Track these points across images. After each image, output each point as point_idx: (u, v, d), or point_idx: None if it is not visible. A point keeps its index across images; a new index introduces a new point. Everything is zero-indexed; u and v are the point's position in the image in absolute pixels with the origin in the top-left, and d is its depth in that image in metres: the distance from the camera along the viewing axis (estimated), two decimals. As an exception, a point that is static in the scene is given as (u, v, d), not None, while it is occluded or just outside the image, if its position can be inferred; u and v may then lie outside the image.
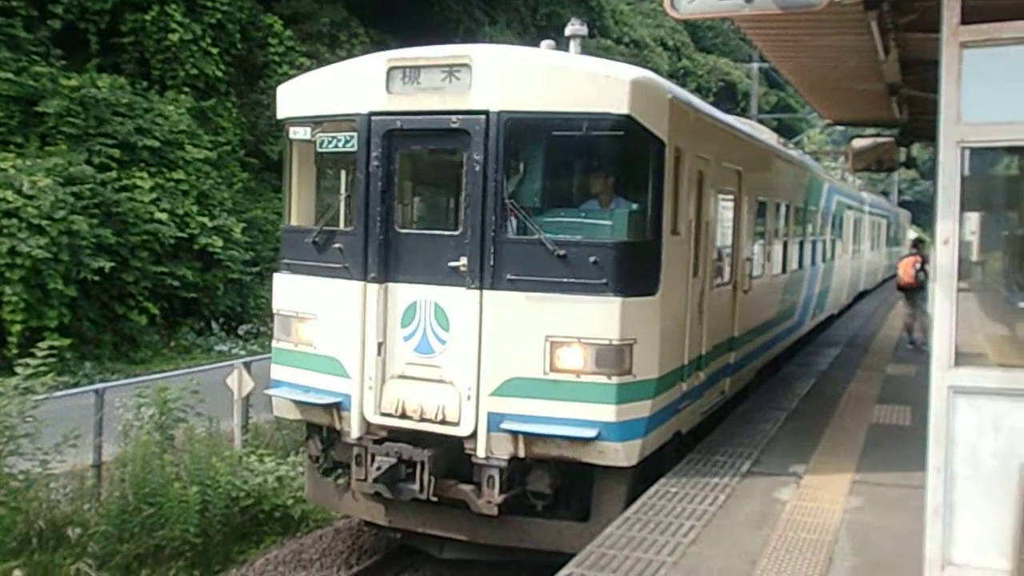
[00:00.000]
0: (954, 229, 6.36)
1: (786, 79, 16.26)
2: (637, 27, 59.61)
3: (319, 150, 10.48)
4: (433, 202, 12.05)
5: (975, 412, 6.38)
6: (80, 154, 24.02)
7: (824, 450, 11.39)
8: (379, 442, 9.74)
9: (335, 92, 10.25)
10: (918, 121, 17.06)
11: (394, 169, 9.83)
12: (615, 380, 9.07)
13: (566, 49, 10.61)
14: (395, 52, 10.00)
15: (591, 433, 9.01)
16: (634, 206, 9.64)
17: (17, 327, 20.15)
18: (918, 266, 20.88)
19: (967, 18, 6.28)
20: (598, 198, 9.83)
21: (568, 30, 10.65)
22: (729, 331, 13.19)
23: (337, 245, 10.04)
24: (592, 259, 9.05)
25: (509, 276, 9.22)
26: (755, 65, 50.65)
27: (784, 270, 17.77)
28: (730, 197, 13.24)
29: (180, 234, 25.22)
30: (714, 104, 16.03)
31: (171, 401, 12.48)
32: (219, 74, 30.26)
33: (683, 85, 25.11)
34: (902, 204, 65.17)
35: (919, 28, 9.91)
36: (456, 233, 9.59)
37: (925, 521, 6.51)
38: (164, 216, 24.79)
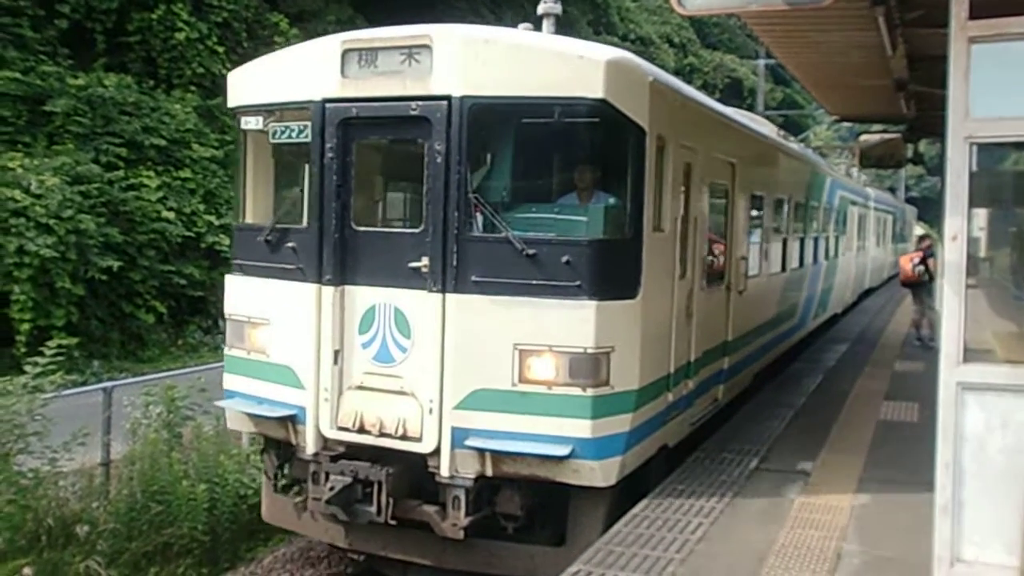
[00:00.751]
0: (962, 225, 6.34)
1: (792, 75, 16.21)
2: (643, 24, 59.56)
3: (272, 141, 9.77)
4: (393, 197, 11.06)
5: (983, 408, 6.37)
6: (87, 153, 24.06)
7: (832, 447, 11.38)
8: (336, 459, 9.07)
9: (288, 78, 9.52)
10: (926, 117, 17.01)
11: (350, 161, 9.12)
12: (590, 392, 8.37)
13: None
14: (351, 33, 9.38)
15: (564, 451, 8.32)
16: (611, 201, 8.94)
17: (25, 326, 20.20)
18: (915, 260, 20.89)
19: (975, 13, 6.26)
20: (577, 192, 9.15)
21: (540, 8, 10.05)
22: (722, 335, 12.50)
23: (290, 244, 9.37)
24: (564, 259, 8.35)
25: (474, 278, 8.51)
26: (761, 61, 50.57)
27: (784, 268, 17.11)
28: (723, 192, 12.54)
29: (187, 233, 25.26)
30: (721, 101, 15.68)
31: (179, 399, 12.49)
32: (225, 72, 30.20)
33: (689, 82, 25.02)
34: (909, 200, 65.02)
35: (927, 23, 9.88)
36: (417, 231, 8.85)
37: (934, 518, 6.50)
38: (171, 215, 24.84)
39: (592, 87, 8.29)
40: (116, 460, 11.91)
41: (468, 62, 8.56)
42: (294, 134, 9.44)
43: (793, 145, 19.91)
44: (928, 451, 6.70)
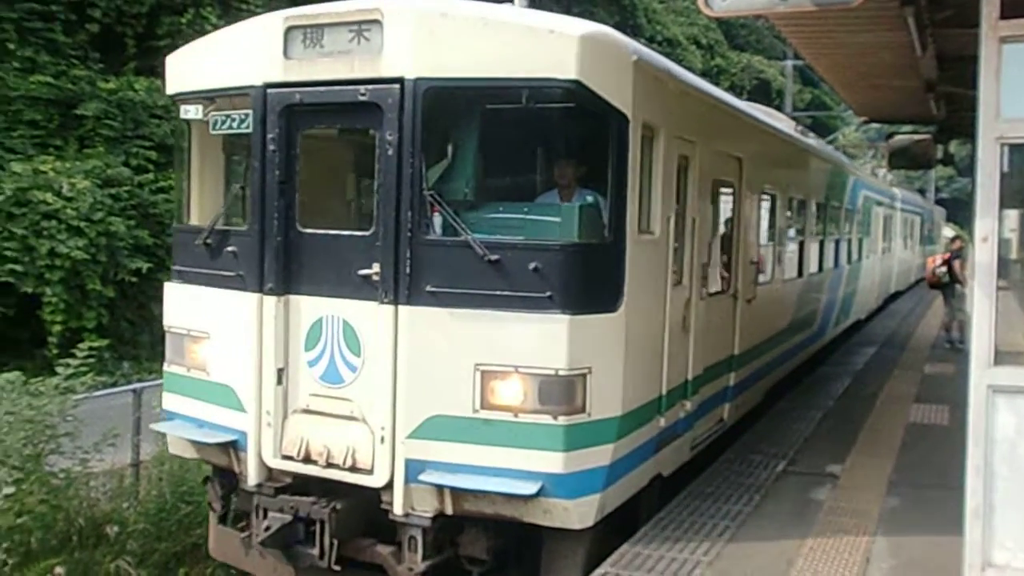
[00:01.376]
0: (993, 227, 6.31)
1: (821, 76, 16.14)
2: (670, 25, 59.45)
3: (213, 132, 8.72)
4: (344, 195, 9.86)
5: (1015, 411, 6.33)
6: (118, 156, 24.25)
7: (861, 450, 11.31)
8: (280, 492, 8.11)
9: (228, 61, 8.48)
10: (956, 117, 16.91)
11: (295, 154, 8.11)
12: (562, 420, 7.30)
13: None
14: (296, 8, 8.16)
15: (531, 488, 7.25)
16: (588, 199, 7.96)
17: (57, 328, 20.39)
18: (938, 263, 20.84)
19: (1006, 12, 6.23)
20: (558, 190, 8.24)
21: None
22: (728, 348, 11.41)
23: (231, 249, 8.37)
24: (532, 266, 7.29)
25: (429, 287, 7.47)
26: (789, 62, 50.32)
27: (800, 274, 16.01)
28: (728, 190, 11.46)
29: (216, 235, 25.37)
30: (749, 102, 15.36)
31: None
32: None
33: (716, 83, 24.89)
34: (939, 202, 64.56)
35: (957, 23, 9.82)
36: (367, 233, 7.78)
37: (964, 522, 6.46)
38: (200, 217, 24.97)
39: (564, 67, 7.22)
40: (146, 461, 11.99)
41: (422, 39, 7.51)
42: (235, 124, 8.40)
43: (811, 141, 18.61)
44: (959, 454, 6.66)
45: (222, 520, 9.08)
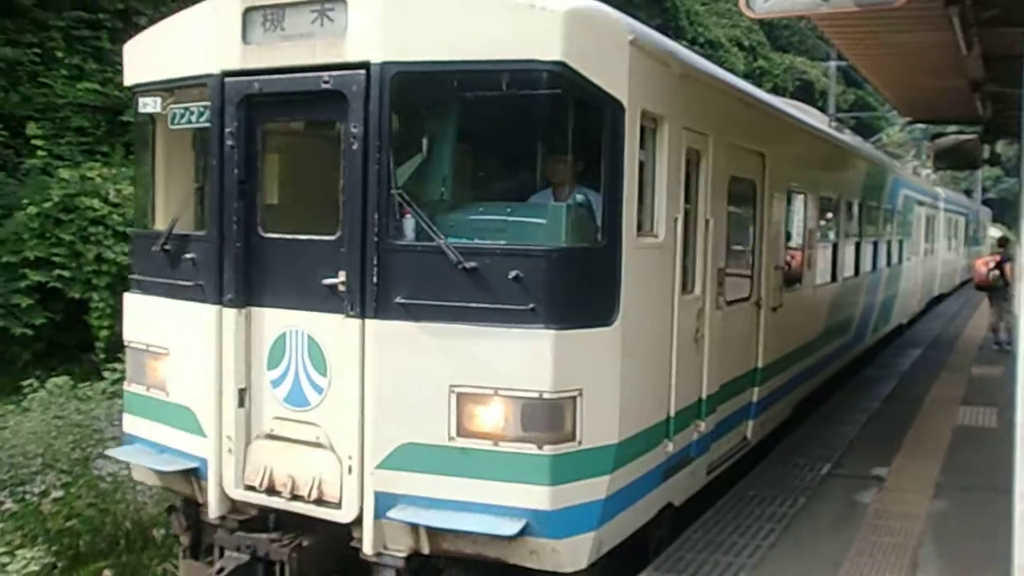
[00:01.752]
0: (1040, 227, 6.23)
1: (864, 77, 16.05)
2: (712, 27, 59.22)
3: (172, 127, 7.94)
4: (309, 195, 8.61)
5: (1064, 413, 6.24)
6: (163, 162, 24.49)
7: (907, 452, 11.22)
8: (245, 524, 7.37)
9: (185, 47, 7.66)
10: (1003, 117, 16.72)
11: (256, 150, 7.35)
12: (548, 450, 6.49)
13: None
14: None
15: (514, 527, 6.44)
16: (579, 197, 7.09)
17: (104, 332, 20.59)
18: (991, 264, 20.60)
19: (1053, 11, 6.16)
20: (552, 188, 7.32)
21: None
22: (750, 361, 10.60)
23: (189, 256, 7.60)
24: (513, 274, 6.46)
25: (399, 299, 6.68)
26: (833, 63, 49.98)
27: (834, 278, 15.17)
28: (749, 188, 10.54)
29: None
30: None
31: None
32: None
33: (759, 85, 24.70)
34: (986, 202, 63.84)
35: (1003, 22, 9.72)
36: (333, 238, 6.97)
37: (1013, 525, 6.39)
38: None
39: (547, 47, 6.41)
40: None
41: (391, 18, 6.73)
42: (194, 118, 7.63)
43: (846, 137, 17.92)
44: (1007, 457, 6.58)
45: (193, 552, 8.17)
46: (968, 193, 56.02)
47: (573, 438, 6.62)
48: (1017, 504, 6.37)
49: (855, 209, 16.79)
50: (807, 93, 61.00)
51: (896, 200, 21.55)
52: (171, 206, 8.21)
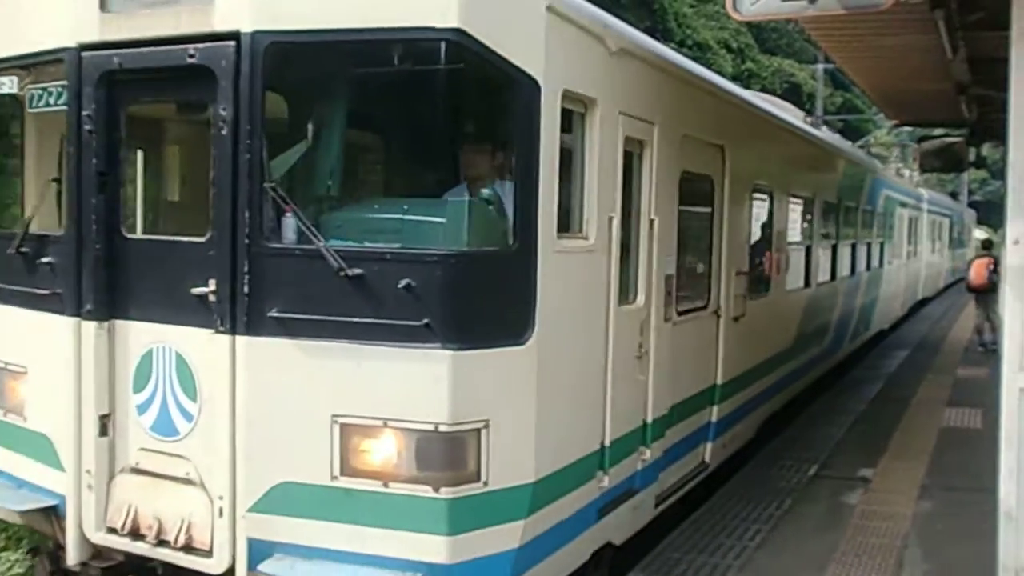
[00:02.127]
0: (1025, 229, 6.28)
1: (851, 80, 16.09)
2: (700, 29, 59.29)
3: (30, 110, 6.84)
4: (180, 189, 7.70)
5: (1047, 415, 6.28)
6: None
7: (893, 454, 11.28)
8: (110, 572, 6.40)
9: (42, 17, 6.52)
10: (988, 120, 16.78)
11: (119, 137, 6.23)
12: (446, 493, 5.51)
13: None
14: None
15: None
16: (485, 192, 5.98)
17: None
18: (992, 267, 20.68)
19: (1037, 15, 6.20)
20: (468, 184, 6.09)
21: None
22: (709, 377, 9.61)
23: (46, 260, 6.47)
24: (404, 283, 5.45)
25: (274, 312, 5.68)
26: (820, 66, 50.17)
27: (807, 283, 14.19)
28: (705, 185, 9.48)
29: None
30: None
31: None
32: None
33: (747, 87, 24.73)
34: (972, 204, 64.10)
35: (988, 26, 9.76)
36: (203, 240, 5.92)
37: (998, 525, 6.43)
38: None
39: (443, 12, 5.43)
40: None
41: None
42: (52, 99, 6.53)
43: (823, 134, 16.74)
44: (991, 458, 6.63)
45: None
46: (954, 196, 56.20)
47: (477, 478, 5.64)
48: (1001, 504, 6.41)
49: (831, 210, 15.99)
50: (795, 95, 61.13)
51: (876, 201, 20.83)
52: (32, 202, 6.98)
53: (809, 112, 32.81)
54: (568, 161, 6.39)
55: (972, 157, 19.74)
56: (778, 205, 12.27)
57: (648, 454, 7.82)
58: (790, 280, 13.14)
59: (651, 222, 7.76)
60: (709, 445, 9.64)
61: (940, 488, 9.84)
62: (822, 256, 15.20)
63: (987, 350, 20.02)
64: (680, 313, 8.53)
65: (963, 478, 10.05)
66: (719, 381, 9.83)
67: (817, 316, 14.95)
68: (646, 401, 7.80)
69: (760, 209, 11.57)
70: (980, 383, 16.21)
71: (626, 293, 7.40)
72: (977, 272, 21.28)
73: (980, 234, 48.27)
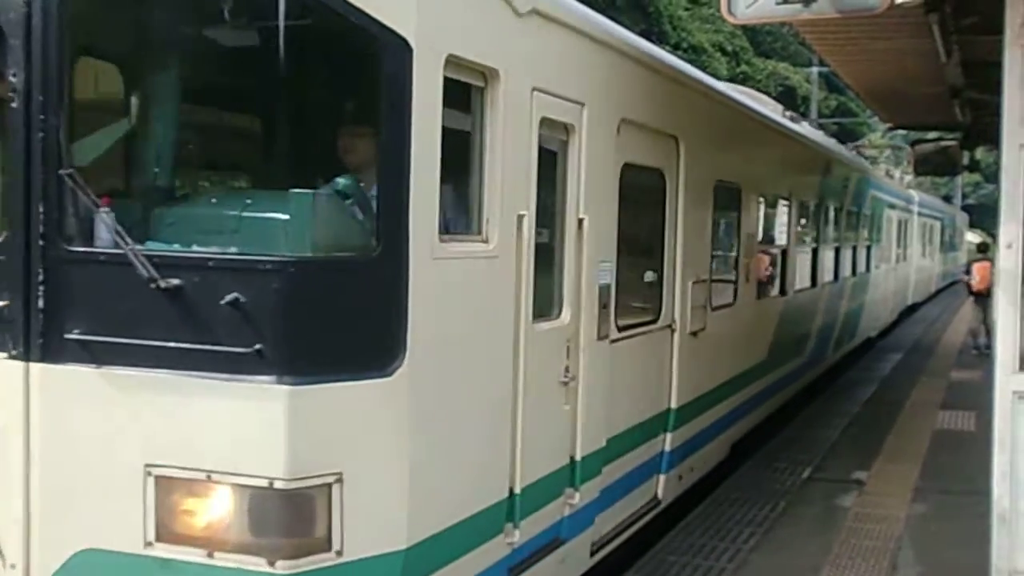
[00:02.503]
0: (1018, 233, 6.29)
1: (846, 83, 16.12)
2: (695, 32, 59.38)
3: None
4: None
5: (1040, 418, 6.31)
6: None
7: (887, 456, 11.29)
8: None
9: None
10: (982, 124, 16.83)
11: None
12: (285, 567, 4.34)
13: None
14: None
15: None
16: (341, 182, 4.77)
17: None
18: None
19: (1030, 20, 6.23)
20: (351, 172, 4.89)
21: None
22: (660, 401, 8.37)
23: None
24: (231, 297, 4.32)
25: (74, 333, 4.54)
26: (815, 69, 50.34)
27: (783, 291, 13.13)
28: (654, 180, 8.28)
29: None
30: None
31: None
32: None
33: (742, 90, 24.62)
34: (966, 208, 64.17)
35: (982, 30, 9.80)
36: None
37: (991, 528, 6.44)
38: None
39: None
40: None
41: None
42: None
43: (803, 129, 15.05)
44: (985, 460, 6.64)
45: None
46: (948, 199, 56.23)
47: (328, 547, 4.44)
48: (995, 506, 6.43)
49: (812, 211, 15.01)
50: (790, 99, 61.21)
51: (863, 202, 19.77)
52: None
53: (804, 115, 32.79)
54: (462, 147, 5.27)
55: (966, 160, 19.81)
56: (748, 205, 11.07)
57: (578, 497, 6.55)
58: (764, 288, 12.20)
59: (580, 222, 6.46)
60: (662, 478, 8.39)
61: (934, 491, 9.86)
62: (801, 261, 14.21)
63: (981, 353, 20.05)
64: (622, 329, 7.33)
65: (957, 481, 10.07)
66: (674, 405, 8.56)
67: (796, 325, 13.90)
68: (574, 435, 6.51)
69: (726, 209, 10.37)
70: (974, 386, 16.24)
71: (545, 307, 6.15)
72: (982, 276, 21.24)
73: (974, 237, 48.16)
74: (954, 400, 15.04)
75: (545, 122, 5.96)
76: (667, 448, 8.51)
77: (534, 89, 5.76)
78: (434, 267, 4.82)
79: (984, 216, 64.55)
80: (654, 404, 8.27)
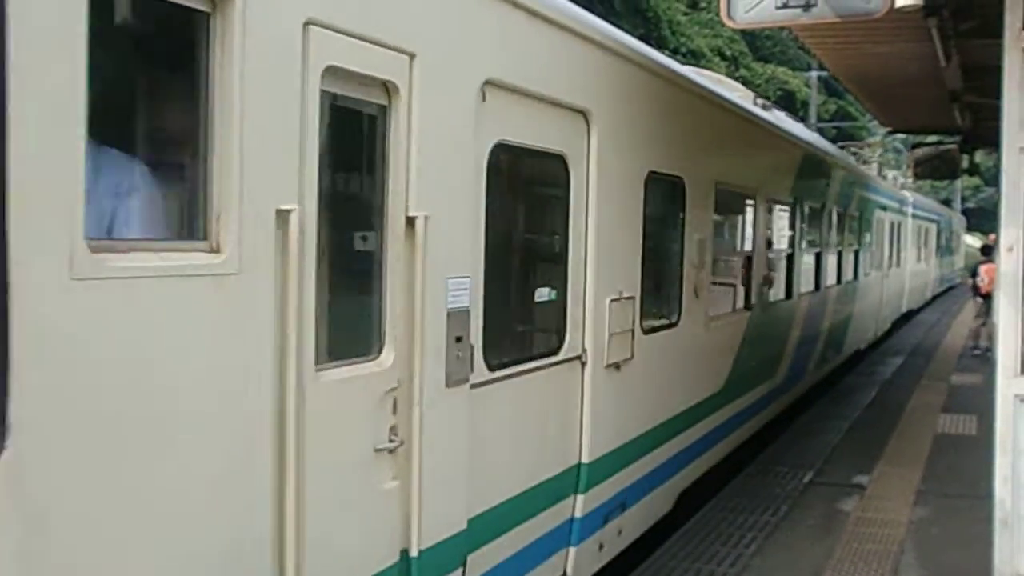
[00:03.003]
0: (1018, 236, 6.30)
1: (845, 87, 16.13)
2: (694, 37, 59.45)
3: None
4: None
5: (1042, 421, 6.31)
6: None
7: (888, 460, 11.28)
8: None
9: None
10: (981, 127, 16.85)
11: None
12: None
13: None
14: None
15: None
16: None
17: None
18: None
19: (1030, 23, 6.24)
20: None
21: None
22: (565, 456, 6.50)
23: None
24: None
25: None
26: (814, 73, 50.41)
27: (748, 305, 11.11)
28: (550, 168, 6.48)
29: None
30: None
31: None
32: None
33: (741, 94, 24.51)
34: (965, 211, 64.24)
35: (981, 34, 9.81)
36: None
37: (993, 531, 6.44)
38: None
39: None
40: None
41: None
42: None
43: (773, 117, 12.83)
44: (987, 464, 6.64)
45: None
46: (947, 202, 56.25)
47: None
48: (996, 510, 6.43)
49: (787, 212, 13.16)
50: (789, 103, 61.28)
51: (849, 203, 17.79)
52: None
53: (803, 120, 32.60)
54: (161, 94, 3.84)
55: (965, 164, 19.83)
56: (694, 203, 8.99)
57: None
58: (720, 302, 10.12)
59: (410, 222, 4.69)
60: (572, 552, 6.61)
61: (935, 494, 9.85)
62: (772, 269, 12.40)
63: (983, 355, 20.04)
64: (496, 367, 5.56)
65: (958, 484, 10.06)
66: (585, 459, 6.73)
67: (766, 345, 11.97)
68: (407, 522, 4.76)
69: (663, 208, 8.54)
70: (975, 389, 16.23)
71: (345, 346, 4.46)
72: (991, 278, 21.25)
73: (972, 240, 47.97)
74: (955, 404, 15.04)
75: (336, 74, 4.18)
76: (578, 514, 6.65)
77: (308, 22, 3.98)
78: (81, 296, 3.05)
79: (984, 219, 64.63)
80: (555, 461, 6.38)
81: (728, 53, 63.16)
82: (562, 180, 6.42)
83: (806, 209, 14.08)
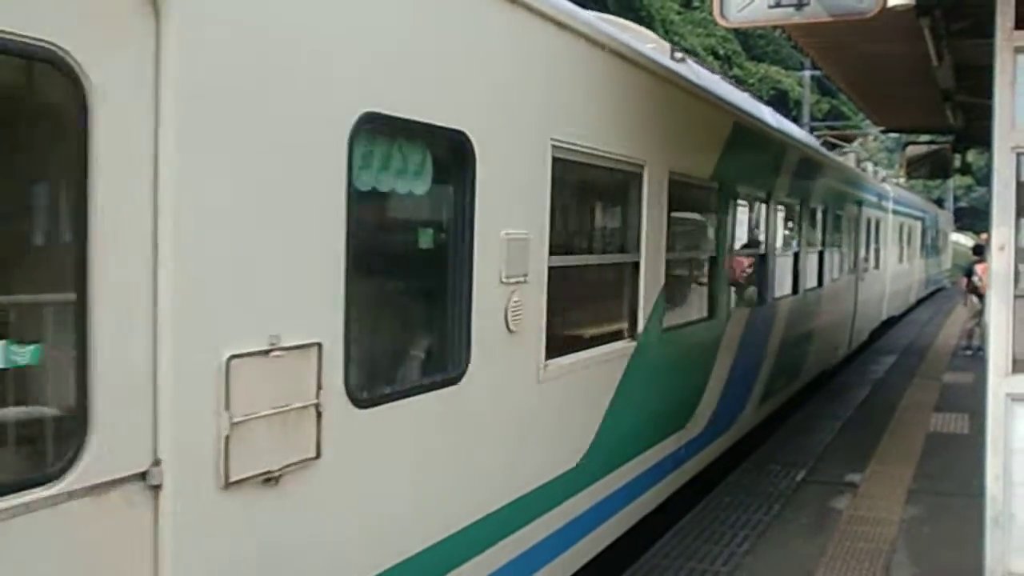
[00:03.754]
0: (1010, 235, 6.33)
1: (838, 86, 16.13)
2: (688, 36, 59.40)
3: None
4: None
5: (1033, 420, 6.33)
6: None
7: (880, 459, 11.30)
8: None
9: None
10: (973, 127, 16.87)
11: None
12: None
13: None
14: None
15: None
16: None
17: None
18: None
19: (1021, 23, 6.26)
20: None
21: None
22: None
23: None
24: None
25: None
26: (807, 73, 50.44)
27: (632, 332, 7.60)
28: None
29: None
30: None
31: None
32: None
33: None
34: (957, 210, 64.30)
35: (973, 34, 9.83)
36: None
37: (984, 530, 6.46)
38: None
39: None
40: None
41: None
42: None
43: (693, 71, 9.97)
44: (978, 463, 6.67)
45: None
46: (940, 202, 56.23)
47: None
48: (988, 508, 6.45)
49: (706, 201, 9.96)
50: (782, 102, 61.33)
51: (814, 195, 14.91)
52: None
53: (796, 119, 32.48)
54: None
55: (957, 163, 19.86)
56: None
57: None
58: (574, 333, 6.98)
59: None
60: None
61: (927, 493, 9.87)
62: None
63: (975, 354, 20.08)
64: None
65: (950, 483, 10.08)
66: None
67: (666, 384, 8.62)
68: None
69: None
70: (967, 388, 16.27)
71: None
72: (983, 278, 21.23)
73: (964, 239, 47.76)
74: (947, 402, 15.06)
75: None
76: None
77: None
78: None
79: (976, 219, 64.73)
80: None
81: (721, 52, 63.17)
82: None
83: (739, 198, 10.92)
